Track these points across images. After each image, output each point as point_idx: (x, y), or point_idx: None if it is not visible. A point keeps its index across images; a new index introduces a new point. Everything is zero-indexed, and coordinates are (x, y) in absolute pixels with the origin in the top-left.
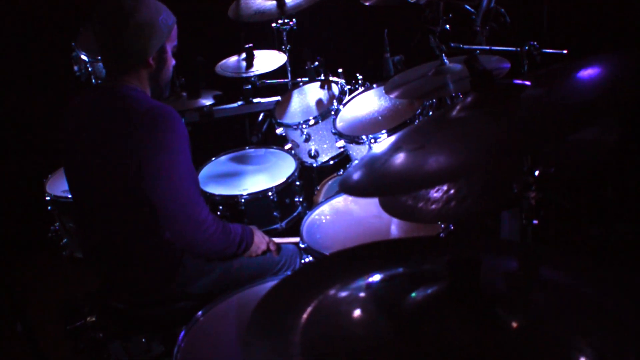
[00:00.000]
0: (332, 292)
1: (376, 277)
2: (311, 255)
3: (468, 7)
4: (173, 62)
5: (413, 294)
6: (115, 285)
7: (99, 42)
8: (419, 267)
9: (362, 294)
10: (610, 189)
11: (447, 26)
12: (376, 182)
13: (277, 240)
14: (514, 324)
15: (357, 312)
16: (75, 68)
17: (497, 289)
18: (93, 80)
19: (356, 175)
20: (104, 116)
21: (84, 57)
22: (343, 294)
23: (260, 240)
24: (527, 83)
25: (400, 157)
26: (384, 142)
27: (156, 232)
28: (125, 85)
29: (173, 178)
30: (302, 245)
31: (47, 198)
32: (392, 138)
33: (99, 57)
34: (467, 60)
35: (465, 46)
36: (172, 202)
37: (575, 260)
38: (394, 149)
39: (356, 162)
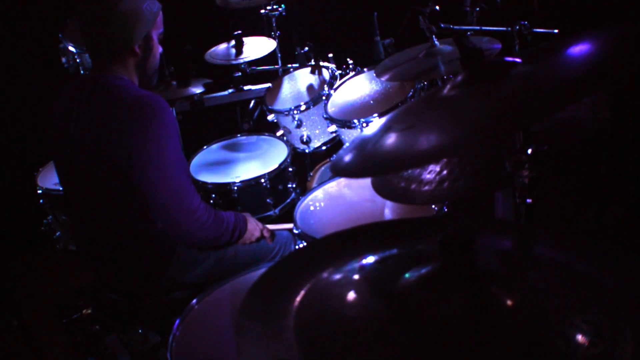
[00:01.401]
0: (325, 275)
1: (370, 259)
2: (305, 241)
3: None
4: (160, 49)
5: (407, 275)
6: (110, 277)
7: (84, 31)
8: (413, 248)
9: (355, 276)
10: (603, 168)
11: (437, 7)
12: (367, 162)
13: (270, 227)
14: (509, 302)
15: (350, 295)
16: (63, 60)
17: (491, 267)
18: (82, 72)
19: (347, 158)
20: (91, 107)
21: (71, 48)
22: (336, 276)
23: (253, 227)
24: (518, 60)
25: (391, 138)
26: (374, 124)
27: (149, 223)
28: (112, 74)
29: (163, 167)
30: (296, 231)
31: (39, 191)
32: (383, 120)
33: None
34: (456, 39)
35: (455, 27)
36: (162, 191)
37: (569, 238)
38: (385, 129)
39: (347, 145)
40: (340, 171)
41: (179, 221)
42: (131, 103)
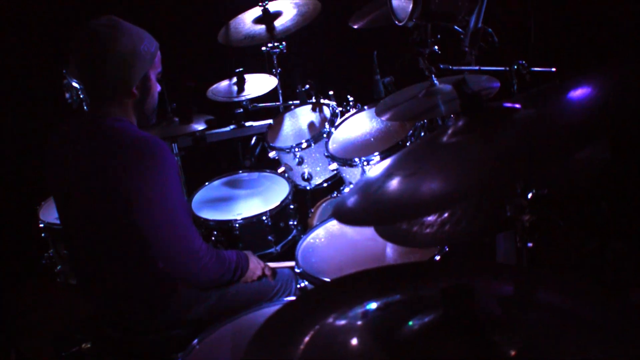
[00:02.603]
0: (329, 320)
1: (372, 305)
2: (307, 280)
3: (457, 27)
4: (158, 88)
5: (409, 323)
6: (110, 312)
7: (80, 72)
8: (415, 293)
9: (359, 322)
10: (604, 203)
11: (436, 47)
12: (370, 210)
13: (272, 264)
14: (512, 352)
15: (354, 342)
16: (67, 95)
17: (493, 314)
18: (85, 107)
19: (350, 203)
20: (90, 148)
21: (75, 84)
22: (340, 322)
23: (255, 266)
24: (517, 106)
25: (394, 184)
26: (377, 167)
27: (149, 262)
28: (110, 116)
29: (165, 211)
30: (297, 270)
31: (41, 225)
32: (386, 162)
33: None
34: (455, 84)
35: (454, 67)
36: (165, 233)
37: (572, 281)
38: (388, 174)
39: (350, 187)
40: (344, 219)
41: (181, 263)
42: (130, 145)
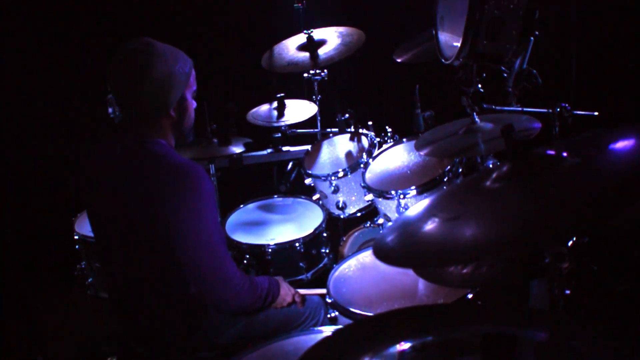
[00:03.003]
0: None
1: (407, 345)
2: (337, 311)
3: (503, 68)
4: (194, 105)
5: None
6: (139, 331)
7: (117, 98)
8: (450, 336)
9: None
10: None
11: (480, 86)
12: (411, 252)
13: (302, 291)
14: None
15: None
16: (110, 110)
17: None
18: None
19: (390, 241)
20: (128, 173)
21: None
22: None
23: (286, 293)
24: (564, 154)
25: (433, 226)
26: (417, 205)
27: (182, 286)
28: (149, 138)
29: (201, 237)
30: (328, 300)
31: (75, 237)
32: (426, 202)
33: None
34: (503, 131)
35: (497, 107)
36: (200, 260)
37: (606, 329)
38: (429, 215)
39: (389, 224)
40: (384, 257)
41: (215, 289)
42: (169, 171)
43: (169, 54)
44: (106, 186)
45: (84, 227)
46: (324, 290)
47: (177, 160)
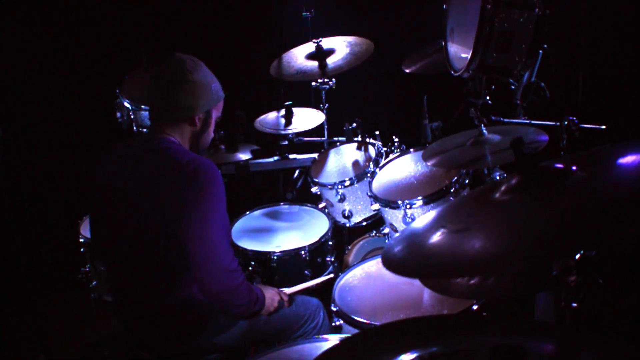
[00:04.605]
0: None
1: (413, 356)
2: (342, 319)
3: (511, 80)
4: (212, 134)
5: None
6: (142, 334)
7: (153, 92)
8: (456, 346)
9: None
10: None
11: (488, 98)
12: (419, 263)
13: (288, 290)
14: None
15: None
16: (118, 114)
17: None
18: (134, 128)
19: (398, 252)
20: (144, 167)
21: (127, 104)
22: None
23: (271, 297)
24: (573, 168)
25: (441, 237)
26: (425, 216)
27: (184, 287)
28: (166, 137)
29: (207, 226)
30: (334, 309)
31: (81, 240)
32: (433, 213)
33: (142, 106)
34: (512, 144)
35: (505, 119)
36: (203, 248)
37: (614, 342)
38: (437, 226)
39: (396, 234)
40: (391, 267)
41: (218, 279)
42: (185, 165)
43: (210, 73)
44: (117, 185)
45: (89, 230)
46: (309, 284)
47: (192, 155)
